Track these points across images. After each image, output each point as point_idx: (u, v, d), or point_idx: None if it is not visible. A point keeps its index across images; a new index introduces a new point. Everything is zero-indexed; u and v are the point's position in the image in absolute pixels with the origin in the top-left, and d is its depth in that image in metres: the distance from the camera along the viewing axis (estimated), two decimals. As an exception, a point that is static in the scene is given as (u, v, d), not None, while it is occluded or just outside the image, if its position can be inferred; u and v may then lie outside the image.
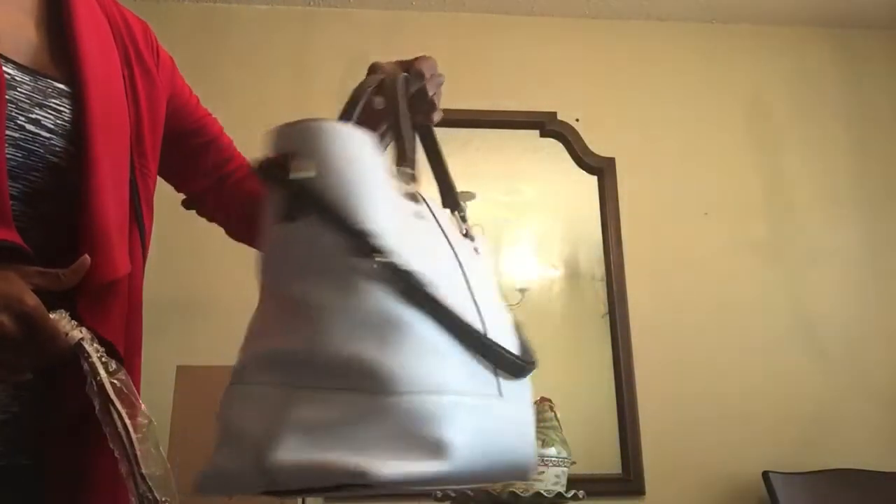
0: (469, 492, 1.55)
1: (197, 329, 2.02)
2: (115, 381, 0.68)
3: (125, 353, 0.74)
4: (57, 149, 0.72)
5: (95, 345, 0.68)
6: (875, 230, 2.39)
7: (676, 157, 2.42)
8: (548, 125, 2.39)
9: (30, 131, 0.71)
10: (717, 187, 2.39)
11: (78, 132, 0.73)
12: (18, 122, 0.70)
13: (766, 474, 1.94)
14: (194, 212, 0.99)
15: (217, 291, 1.99)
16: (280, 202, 0.55)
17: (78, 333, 0.67)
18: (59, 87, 0.74)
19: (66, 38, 0.76)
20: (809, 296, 2.29)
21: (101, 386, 0.67)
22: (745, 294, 2.27)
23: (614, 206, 2.32)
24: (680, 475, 2.06)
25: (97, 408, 0.67)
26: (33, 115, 0.71)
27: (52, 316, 0.65)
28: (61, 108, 0.74)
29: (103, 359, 0.68)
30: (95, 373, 0.67)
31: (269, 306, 0.57)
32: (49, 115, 0.73)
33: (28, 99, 0.71)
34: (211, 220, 1.00)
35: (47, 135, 0.72)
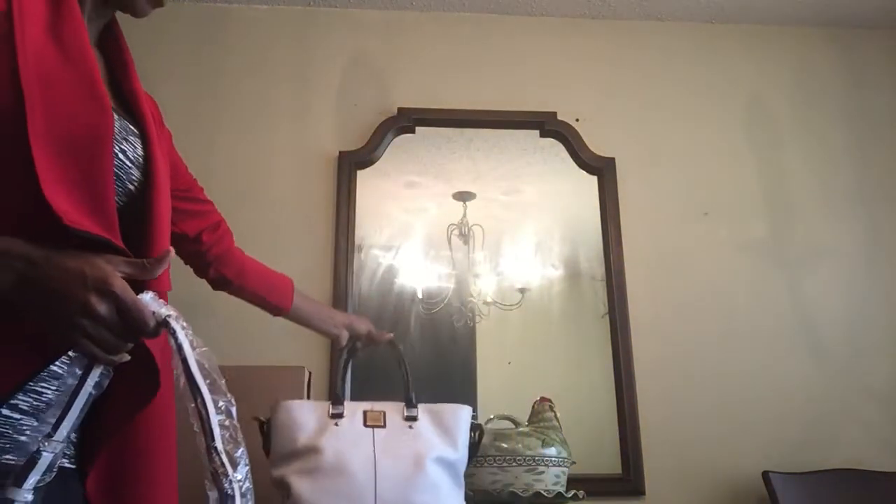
0: (469, 492, 1.55)
1: (197, 329, 2.02)
2: (199, 357, 0.72)
3: None
4: (133, 177, 0.87)
5: (182, 322, 0.72)
6: (875, 230, 2.39)
7: (676, 157, 2.42)
8: (548, 125, 2.39)
9: (121, 160, 0.85)
10: (717, 187, 2.39)
11: (147, 165, 0.89)
12: (114, 151, 0.82)
13: (766, 474, 1.94)
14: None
15: (217, 291, 1.99)
16: None
17: (165, 311, 0.72)
18: (131, 128, 0.88)
19: (123, 93, 0.93)
20: (809, 295, 2.29)
21: (186, 361, 0.71)
22: (745, 294, 2.27)
23: (614, 206, 2.32)
24: (680, 475, 2.06)
25: (181, 382, 0.71)
26: (122, 147, 0.85)
27: (138, 296, 0.70)
28: (135, 145, 0.88)
29: (189, 335, 0.72)
30: (181, 348, 0.71)
31: None
32: (129, 149, 0.87)
33: (118, 133, 0.84)
34: (188, 255, 1.27)
35: (129, 164, 0.86)
